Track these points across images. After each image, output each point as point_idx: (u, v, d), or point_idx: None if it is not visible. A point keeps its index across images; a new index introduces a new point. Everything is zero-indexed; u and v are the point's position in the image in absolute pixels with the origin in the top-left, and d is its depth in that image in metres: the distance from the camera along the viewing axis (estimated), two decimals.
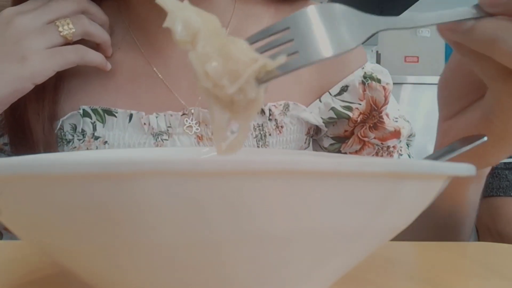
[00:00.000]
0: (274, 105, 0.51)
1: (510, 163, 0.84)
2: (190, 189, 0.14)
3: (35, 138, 0.48)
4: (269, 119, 0.51)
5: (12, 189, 0.16)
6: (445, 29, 0.29)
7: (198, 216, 0.15)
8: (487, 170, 0.41)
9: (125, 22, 0.54)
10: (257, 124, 0.51)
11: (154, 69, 0.52)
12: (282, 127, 0.52)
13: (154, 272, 0.17)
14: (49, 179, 0.15)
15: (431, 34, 3.70)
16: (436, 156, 0.29)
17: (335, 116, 0.54)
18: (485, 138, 0.30)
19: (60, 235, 0.17)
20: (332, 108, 0.53)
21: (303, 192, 0.15)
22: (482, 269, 0.29)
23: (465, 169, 0.19)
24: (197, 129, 0.50)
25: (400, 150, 0.55)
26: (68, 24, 0.46)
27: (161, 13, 0.47)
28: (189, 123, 0.50)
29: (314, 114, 0.54)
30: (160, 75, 0.52)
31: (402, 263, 0.30)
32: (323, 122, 0.54)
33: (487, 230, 0.83)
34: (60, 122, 0.50)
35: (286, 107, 0.52)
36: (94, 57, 0.48)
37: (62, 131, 0.50)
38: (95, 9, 0.49)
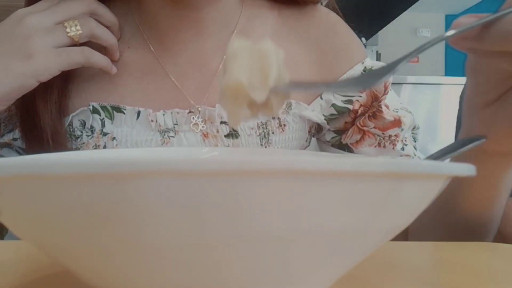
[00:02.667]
0: None
1: None
2: (189, 189, 0.14)
3: (42, 125, 0.49)
4: (272, 118, 0.52)
5: (12, 189, 0.16)
6: (456, 40, 0.29)
7: (197, 216, 0.15)
8: None
9: (135, 21, 0.55)
10: (261, 122, 0.52)
11: (163, 66, 0.53)
12: (284, 125, 0.53)
13: (153, 272, 0.17)
14: (49, 179, 0.15)
15: (431, 34, 3.70)
16: (436, 156, 0.29)
17: (336, 112, 0.55)
18: (485, 139, 0.30)
19: (60, 235, 0.17)
20: (333, 105, 0.54)
21: (303, 192, 0.15)
22: (483, 269, 0.29)
23: (465, 169, 0.19)
24: (203, 126, 0.51)
25: (405, 140, 0.55)
26: (76, 25, 0.47)
27: (171, 12, 0.51)
28: (195, 120, 0.51)
29: (316, 112, 0.55)
30: (169, 73, 0.53)
31: (402, 263, 0.30)
32: (325, 119, 0.55)
33: None
34: (70, 118, 0.51)
35: (289, 105, 0.53)
36: (99, 60, 0.49)
37: (71, 127, 0.51)
38: (103, 10, 0.50)
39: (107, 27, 0.51)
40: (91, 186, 0.15)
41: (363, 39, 2.53)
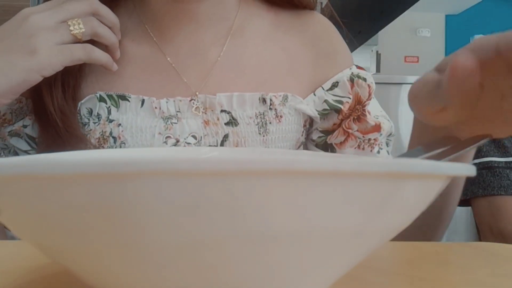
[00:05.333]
0: (274, 96, 0.56)
1: (511, 162, 0.84)
2: (189, 189, 0.14)
3: (49, 110, 0.51)
4: (270, 108, 0.55)
5: (12, 189, 0.16)
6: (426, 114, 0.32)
7: (197, 216, 0.15)
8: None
9: (140, 17, 0.59)
10: (259, 112, 0.55)
11: (166, 57, 0.56)
12: (281, 116, 0.56)
13: (153, 272, 0.17)
14: (49, 179, 0.15)
15: (431, 34, 3.70)
16: (431, 156, 0.29)
17: (328, 108, 0.59)
18: (488, 138, 0.30)
19: (59, 235, 0.17)
20: (325, 101, 0.59)
21: (302, 192, 0.15)
22: (483, 269, 0.29)
23: (465, 169, 0.19)
24: (204, 111, 0.54)
25: (381, 145, 0.60)
26: (79, 24, 0.49)
27: (173, 6, 0.55)
28: (196, 104, 0.54)
29: (310, 106, 0.59)
30: (171, 63, 0.56)
31: (402, 263, 0.30)
32: (318, 114, 0.59)
33: (488, 230, 0.83)
34: (79, 105, 0.54)
35: (285, 98, 0.57)
36: (100, 56, 0.51)
37: (79, 115, 0.54)
38: (105, 11, 0.52)
39: (108, 27, 0.53)
40: (91, 186, 0.15)
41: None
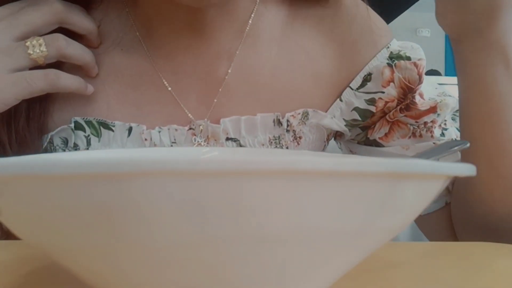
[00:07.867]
0: (292, 115, 0.47)
1: None
2: (190, 189, 0.14)
3: (2, 145, 0.41)
4: (287, 131, 0.47)
5: (12, 189, 0.16)
6: None
7: (197, 216, 0.15)
8: None
9: (130, 20, 0.46)
10: (273, 136, 0.47)
11: (160, 75, 0.46)
12: (300, 137, 0.48)
13: (154, 272, 0.17)
14: (49, 179, 0.15)
15: (431, 34, 3.70)
16: (421, 157, 0.29)
17: (359, 119, 0.50)
18: (468, 145, 0.30)
19: (60, 235, 0.17)
20: (355, 108, 0.49)
21: (302, 192, 0.15)
22: (483, 269, 0.29)
23: (465, 169, 0.19)
24: (206, 144, 0.45)
25: (445, 124, 0.49)
26: (40, 45, 0.39)
27: (173, 13, 0.44)
28: (198, 141, 0.45)
29: (336, 119, 0.50)
30: (166, 83, 0.46)
31: (402, 263, 0.30)
32: (345, 125, 0.50)
33: None
34: (49, 136, 0.44)
35: (305, 115, 0.48)
36: (68, 83, 0.41)
37: (52, 145, 0.44)
38: (75, 18, 0.42)
39: (82, 36, 0.43)
40: (91, 186, 0.15)
41: None
